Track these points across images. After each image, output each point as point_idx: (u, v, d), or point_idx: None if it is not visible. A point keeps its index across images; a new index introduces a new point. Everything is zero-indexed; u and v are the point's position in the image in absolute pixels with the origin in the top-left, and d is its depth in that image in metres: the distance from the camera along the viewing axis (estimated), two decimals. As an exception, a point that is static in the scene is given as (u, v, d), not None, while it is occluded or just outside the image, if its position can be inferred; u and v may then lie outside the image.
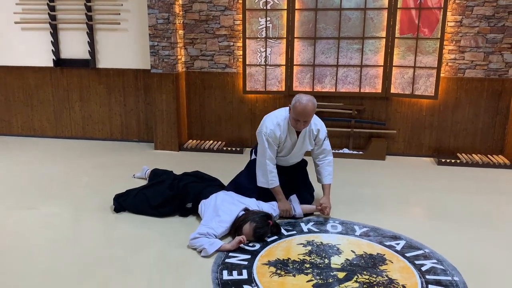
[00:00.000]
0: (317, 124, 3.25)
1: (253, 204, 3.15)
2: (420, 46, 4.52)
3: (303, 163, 3.54)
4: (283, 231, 3.03)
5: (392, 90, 4.70)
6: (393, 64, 4.63)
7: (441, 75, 4.57)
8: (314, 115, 3.17)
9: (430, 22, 4.44)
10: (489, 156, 4.65)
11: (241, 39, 4.81)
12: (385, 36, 4.56)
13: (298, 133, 3.21)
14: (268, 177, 3.20)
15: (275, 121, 3.17)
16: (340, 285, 2.40)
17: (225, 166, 4.43)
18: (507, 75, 4.51)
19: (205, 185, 3.33)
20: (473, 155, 4.68)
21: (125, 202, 3.33)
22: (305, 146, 3.28)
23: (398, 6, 4.48)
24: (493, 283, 2.46)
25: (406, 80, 4.64)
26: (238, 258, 2.67)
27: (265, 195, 3.30)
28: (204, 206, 3.13)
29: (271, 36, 4.76)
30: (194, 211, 3.22)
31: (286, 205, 3.24)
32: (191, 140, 5.20)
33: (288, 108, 3.17)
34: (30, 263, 2.64)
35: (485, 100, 4.60)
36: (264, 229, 2.86)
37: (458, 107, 4.67)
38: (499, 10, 4.37)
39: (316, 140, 3.27)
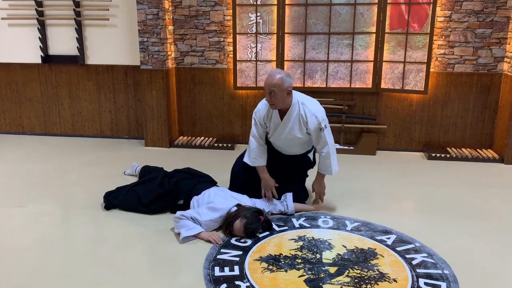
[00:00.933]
0: (311, 111, 3.08)
1: (247, 200, 3.15)
2: (410, 41, 4.53)
3: (305, 160, 3.43)
4: (274, 226, 3.03)
5: (382, 85, 4.72)
6: (383, 59, 4.64)
7: (431, 70, 4.59)
8: (317, 105, 3.13)
9: (420, 17, 4.46)
10: (478, 150, 4.69)
11: (232, 34, 4.79)
12: (375, 31, 4.57)
13: (283, 116, 3.12)
14: (250, 155, 3.23)
15: (265, 101, 3.16)
16: (332, 280, 2.41)
17: (216, 162, 4.42)
18: (496, 69, 4.54)
19: (196, 182, 3.32)
20: (462, 149, 4.71)
21: (115, 200, 3.30)
22: (294, 133, 3.13)
23: (388, 1, 4.48)
24: (482, 276, 2.49)
25: (396, 75, 4.66)
26: (229, 254, 2.67)
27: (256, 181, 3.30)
28: (197, 202, 3.12)
29: (261, 32, 4.74)
30: (185, 208, 3.21)
31: (269, 182, 3.21)
32: (182, 137, 5.17)
33: None
34: (19, 261, 2.61)
35: (474, 94, 4.63)
36: (255, 225, 2.86)
37: (447, 101, 4.70)
38: (488, 5, 4.40)
39: (308, 129, 3.11)
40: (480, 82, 4.60)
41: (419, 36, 4.49)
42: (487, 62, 4.54)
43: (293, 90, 3.10)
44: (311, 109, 3.09)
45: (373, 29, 4.58)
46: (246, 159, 3.29)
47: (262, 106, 3.19)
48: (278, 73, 2.98)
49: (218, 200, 3.01)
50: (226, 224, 2.90)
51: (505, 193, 3.71)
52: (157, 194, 3.23)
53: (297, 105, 3.09)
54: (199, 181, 3.34)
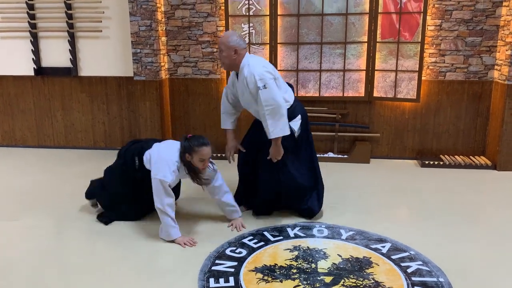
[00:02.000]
0: (251, 71, 2.99)
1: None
2: (402, 50, 4.58)
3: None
4: (269, 236, 3.02)
5: (375, 94, 4.75)
6: (375, 68, 4.68)
7: (423, 78, 4.63)
8: (260, 63, 3.04)
9: (411, 26, 4.51)
10: (471, 157, 4.72)
11: (225, 45, 4.81)
12: (366, 40, 4.61)
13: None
14: (221, 117, 3.48)
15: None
16: (327, 290, 2.40)
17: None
18: (487, 77, 4.59)
19: (144, 141, 3.37)
20: (455, 156, 4.74)
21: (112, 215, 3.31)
22: (246, 95, 3.10)
23: (379, 11, 4.53)
24: (478, 283, 2.49)
25: (388, 84, 4.69)
26: (224, 266, 2.65)
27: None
28: (150, 155, 3.11)
29: (254, 42, 4.77)
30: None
31: (229, 144, 3.48)
32: (177, 147, 5.16)
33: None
34: (12, 274, 2.58)
35: (466, 102, 4.67)
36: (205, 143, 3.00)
37: (439, 109, 4.74)
38: (477, 14, 4.46)
39: (250, 90, 3.03)
40: (472, 89, 4.64)
41: (411, 45, 4.54)
42: (478, 70, 4.59)
43: (249, 54, 3.12)
44: (252, 69, 3.00)
45: (365, 38, 4.62)
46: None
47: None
48: (228, 32, 3.11)
49: (169, 149, 3.07)
50: (189, 170, 3.01)
51: (498, 200, 3.73)
52: (118, 173, 3.30)
53: (245, 67, 3.05)
54: (147, 140, 3.41)
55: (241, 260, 2.71)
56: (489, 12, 4.44)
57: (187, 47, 4.93)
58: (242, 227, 3.19)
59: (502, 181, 4.21)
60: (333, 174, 4.38)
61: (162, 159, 3.01)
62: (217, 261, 2.70)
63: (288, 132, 3.05)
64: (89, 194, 3.52)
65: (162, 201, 2.93)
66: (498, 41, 4.48)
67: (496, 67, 4.52)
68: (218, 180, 3.19)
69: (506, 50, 4.29)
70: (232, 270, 2.60)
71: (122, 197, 3.28)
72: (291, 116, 3.13)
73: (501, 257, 2.78)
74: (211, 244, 2.93)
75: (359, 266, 2.64)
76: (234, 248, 2.86)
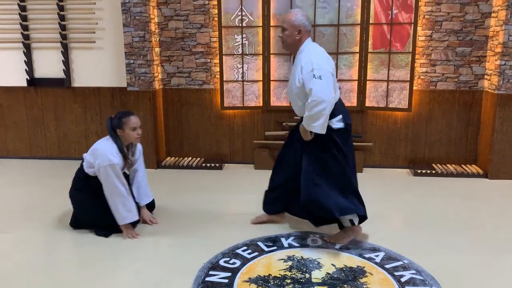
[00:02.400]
0: (309, 58, 2.80)
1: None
2: (393, 60, 4.63)
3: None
4: (263, 247, 3.02)
5: (367, 104, 4.79)
6: (367, 78, 4.72)
7: (414, 88, 4.68)
8: (319, 54, 2.85)
9: (402, 36, 4.57)
10: (463, 166, 4.77)
11: (218, 55, 4.84)
12: (358, 51, 4.66)
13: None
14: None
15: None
16: (321, 300, 2.40)
17: (204, 183, 4.42)
18: (477, 86, 4.65)
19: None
20: (447, 165, 4.78)
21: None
22: (294, 81, 2.87)
23: (370, 22, 4.59)
24: (470, 292, 2.50)
25: (380, 94, 4.74)
26: (218, 277, 2.65)
27: None
28: (86, 158, 3.20)
29: (247, 53, 4.81)
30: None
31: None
32: (169, 157, 5.16)
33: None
34: (3, 286, 2.56)
35: (457, 111, 4.73)
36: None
37: (431, 118, 4.78)
38: (467, 24, 4.53)
39: (302, 77, 2.80)
40: (462, 99, 4.70)
41: (402, 55, 4.59)
42: (468, 80, 4.65)
43: (309, 40, 2.92)
44: (311, 55, 2.81)
45: (357, 49, 4.67)
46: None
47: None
48: (294, 10, 2.93)
49: (98, 144, 3.17)
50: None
51: (490, 208, 3.76)
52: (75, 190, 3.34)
53: (304, 51, 2.88)
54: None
55: (235, 271, 2.71)
56: (478, 23, 4.51)
57: (180, 58, 4.95)
58: (152, 222, 3.39)
59: (493, 189, 4.25)
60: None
61: (98, 149, 3.10)
62: (211, 272, 2.69)
63: (323, 131, 2.80)
64: (73, 223, 3.42)
65: (118, 191, 3.02)
66: (488, 51, 4.55)
67: (486, 76, 4.59)
68: (140, 163, 3.44)
69: (496, 60, 4.35)
70: (226, 281, 2.60)
71: (96, 209, 3.21)
72: (331, 115, 2.86)
73: (494, 265, 2.80)
74: (205, 254, 2.92)
75: (353, 276, 2.64)
76: (228, 259, 2.86)
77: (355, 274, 2.66)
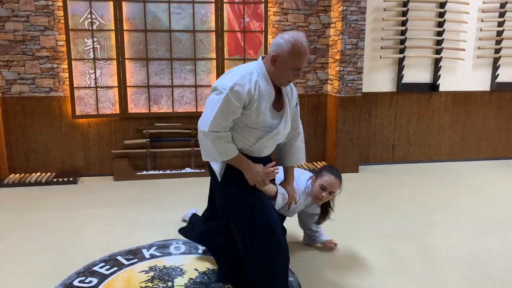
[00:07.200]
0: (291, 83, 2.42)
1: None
2: (248, 66, 4.83)
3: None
4: (123, 260, 2.87)
5: (227, 108, 4.91)
6: (225, 84, 4.84)
7: (268, 92, 4.95)
8: None
9: (254, 44, 4.80)
10: (314, 163, 5.19)
11: (66, 60, 4.47)
12: (215, 57, 4.76)
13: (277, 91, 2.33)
14: (218, 150, 2.23)
15: (246, 74, 2.23)
16: (184, 306, 2.37)
17: (56, 200, 4.04)
18: (322, 91, 5.12)
19: None
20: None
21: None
22: (291, 109, 2.45)
23: (225, 29, 4.73)
24: None
25: (238, 98, 4.90)
26: (72, 299, 2.43)
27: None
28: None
29: (100, 57, 4.54)
30: None
31: (259, 174, 2.31)
32: (13, 175, 4.59)
33: (259, 60, 2.32)
34: None
35: (307, 113, 5.14)
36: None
37: (285, 121, 5.11)
38: (311, 33, 4.96)
39: (294, 100, 2.46)
40: (311, 102, 5.13)
41: (255, 61, 4.82)
42: (315, 85, 5.10)
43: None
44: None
45: (213, 55, 4.76)
46: (213, 157, 2.30)
47: (245, 80, 2.20)
48: (304, 38, 2.24)
49: None
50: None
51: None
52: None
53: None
54: None
55: (91, 290, 2.51)
56: (320, 33, 4.98)
57: (22, 63, 4.45)
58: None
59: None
60: (191, 189, 4.38)
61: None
62: (63, 296, 2.46)
63: None
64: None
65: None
66: (329, 58, 5.05)
67: (329, 81, 5.08)
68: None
69: (336, 67, 4.85)
70: (81, 302, 2.39)
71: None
72: None
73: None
74: (57, 276, 2.65)
75: (215, 278, 2.66)
76: (83, 278, 2.64)
77: (218, 275, 2.69)
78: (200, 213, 3.29)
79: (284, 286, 2.30)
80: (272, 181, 2.52)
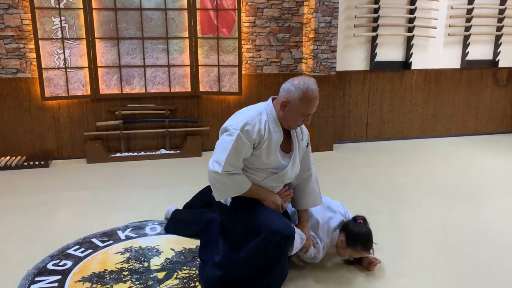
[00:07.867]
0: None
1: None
2: (222, 46, 4.78)
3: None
4: (98, 242, 2.85)
5: (201, 89, 4.86)
6: (199, 63, 4.79)
7: (243, 72, 4.92)
8: None
9: (228, 22, 4.74)
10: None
11: (33, 40, 4.32)
12: (188, 36, 4.68)
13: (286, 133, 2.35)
14: (237, 182, 2.24)
15: (256, 113, 2.30)
16: (160, 285, 2.38)
17: (27, 183, 3.95)
18: (297, 70, 5.12)
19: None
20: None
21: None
22: (301, 151, 2.44)
23: (197, 7, 4.64)
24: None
25: (212, 78, 4.85)
26: (46, 282, 2.41)
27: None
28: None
29: (68, 37, 4.40)
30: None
31: (277, 198, 2.36)
32: (-19, 159, 4.46)
33: (269, 102, 2.40)
34: None
35: (282, 92, 5.13)
36: None
37: (260, 101, 5.07)
38: (284, 12, 4.93)
39: (304, 142, 2.46)
40: (285, 81, 5.11)
41: (229, 40, 4.77)
42: (289, 64, 5.09)
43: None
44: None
45: (186, 34, 4.68)
46: (227, 194, 2.28)
47: (255, 120, 2.26)
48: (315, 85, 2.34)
49: None
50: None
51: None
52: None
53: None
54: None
55: (65, 273, 2.49)
56: (294, 11, 4.95)
57: (-15, 43, 4.28)
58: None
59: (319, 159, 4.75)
60: (166, 170, 4.36)
61: None
62: (36, 279, 2.43)
63: None
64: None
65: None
66: (303, 37, 5.03)
67: (303, 60, 5.08)
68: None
69: (310, 45, 4.84)
70: (55, 285, 2.37)
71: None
72: None
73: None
74: (30, 261, 2.62)
75: (192, 256, 2.68)
76: (58, 261, 2.62)
77: (194, 254, 2.70)
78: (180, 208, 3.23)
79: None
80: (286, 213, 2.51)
